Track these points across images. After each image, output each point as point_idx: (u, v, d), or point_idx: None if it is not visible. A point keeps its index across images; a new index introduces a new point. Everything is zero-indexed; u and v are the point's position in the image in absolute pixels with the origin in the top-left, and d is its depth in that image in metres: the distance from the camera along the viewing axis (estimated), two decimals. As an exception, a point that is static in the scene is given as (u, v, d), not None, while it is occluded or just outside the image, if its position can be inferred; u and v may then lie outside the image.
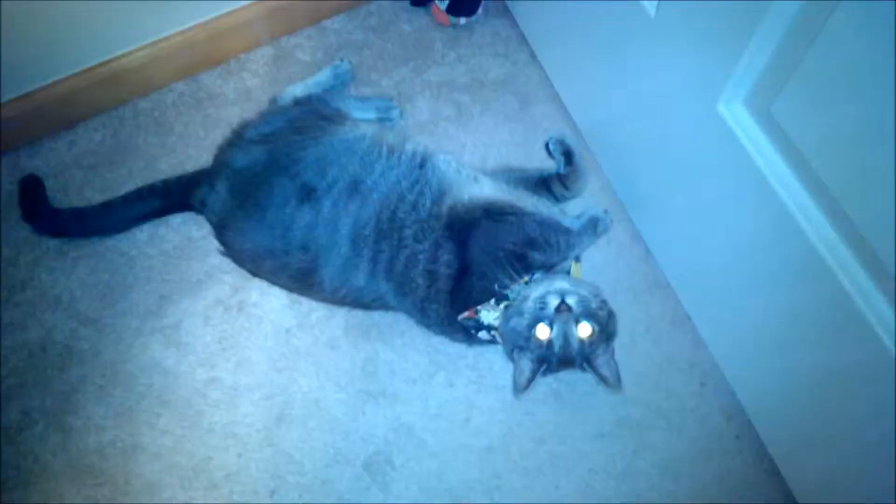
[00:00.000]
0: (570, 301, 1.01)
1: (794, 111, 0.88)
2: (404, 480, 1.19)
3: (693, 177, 1.16)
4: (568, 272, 1.12)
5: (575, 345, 1.02)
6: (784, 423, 1.18)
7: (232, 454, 1.21)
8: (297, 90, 1.46)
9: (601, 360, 1.05)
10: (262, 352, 1.27)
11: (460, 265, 1.10)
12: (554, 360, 1.03)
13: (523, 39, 1.62)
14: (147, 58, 1.47)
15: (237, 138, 1.28)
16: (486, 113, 1.51)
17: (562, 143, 1.25)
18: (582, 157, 1.25)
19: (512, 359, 1.08)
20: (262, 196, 1.17)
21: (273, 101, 1.46)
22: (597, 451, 1.22)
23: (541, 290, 1.04)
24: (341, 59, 1.54)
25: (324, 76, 1.52)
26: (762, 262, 1.03)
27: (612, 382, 1.05)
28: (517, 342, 1.05)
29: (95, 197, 1.36)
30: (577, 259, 1.17)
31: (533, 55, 1.59)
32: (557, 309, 1.00)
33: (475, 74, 1.57)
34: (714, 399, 1.27)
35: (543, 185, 1.25)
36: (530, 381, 1.04)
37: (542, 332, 1.02)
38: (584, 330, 1.02)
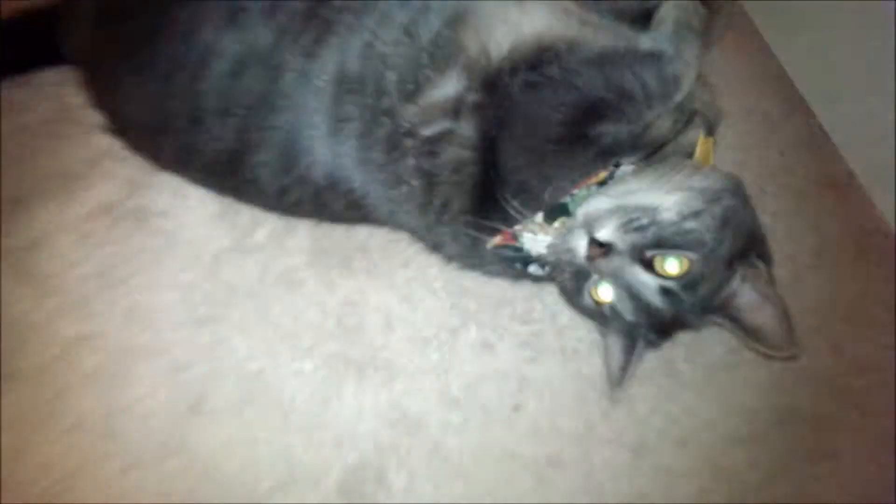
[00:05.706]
0: (603, 235, 0.67)
1: None
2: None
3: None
4: (690, 155, 0.72)
5: (657, 301, 0.66)
6: None
7: (113, 469, 0.77)
8: None
9: (743, 301, 0.66)
10: (171, 291, 0.88)
11: (482, 164, 0.74)
12: (641, 330, 0.70)
13: None
14: None
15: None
16: None
17: None
18: None
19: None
20: (152, 16, 0.77)
21: None
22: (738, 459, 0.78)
23: (568, 226, 0.70)
24: None
25: None
26: None
27: (772, 338, 0.65)
28: (584, 311, 0.74)
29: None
30: (710, 132, 0.75)
31: None
32: (588, 256, 0.68)
33: None
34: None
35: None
36: (625, 367, 0.73)
37: (605, 292, 0.70)
38: (670, 265, 0.65)
